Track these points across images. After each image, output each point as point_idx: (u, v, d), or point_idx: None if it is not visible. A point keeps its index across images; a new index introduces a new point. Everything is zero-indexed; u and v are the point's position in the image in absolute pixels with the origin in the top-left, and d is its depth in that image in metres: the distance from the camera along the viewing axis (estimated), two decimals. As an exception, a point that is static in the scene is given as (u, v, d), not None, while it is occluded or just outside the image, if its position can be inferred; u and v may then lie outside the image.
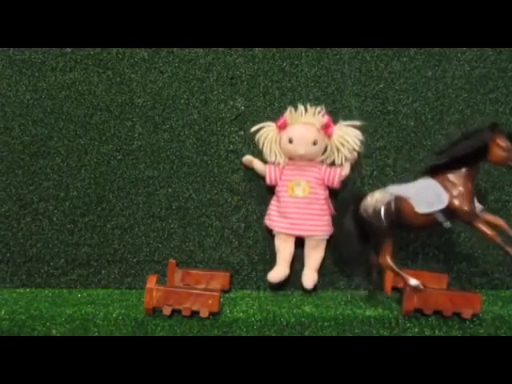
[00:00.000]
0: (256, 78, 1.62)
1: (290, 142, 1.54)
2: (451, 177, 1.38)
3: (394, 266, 1.43)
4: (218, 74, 1.62)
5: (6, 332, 1.38)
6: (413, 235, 1.66)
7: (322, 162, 1.57)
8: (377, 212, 1.41)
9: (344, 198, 1.58)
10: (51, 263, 1.65)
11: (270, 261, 1.62)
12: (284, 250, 1.59)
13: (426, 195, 1.38)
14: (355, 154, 1.56)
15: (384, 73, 1.62)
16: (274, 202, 1.60)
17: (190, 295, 1.38)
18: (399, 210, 1.40)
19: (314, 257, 1.59)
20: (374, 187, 1.63)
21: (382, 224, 1.40)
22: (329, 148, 1.56)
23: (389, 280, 1.58)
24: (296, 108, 1.54)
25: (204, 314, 1.37)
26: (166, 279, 1.57)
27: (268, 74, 1.62)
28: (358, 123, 1.54)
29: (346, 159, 1.56)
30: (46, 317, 1.40)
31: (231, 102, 1.63)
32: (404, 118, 1.64)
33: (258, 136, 1.57)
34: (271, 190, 1.61)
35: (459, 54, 1.62)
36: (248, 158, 1.62)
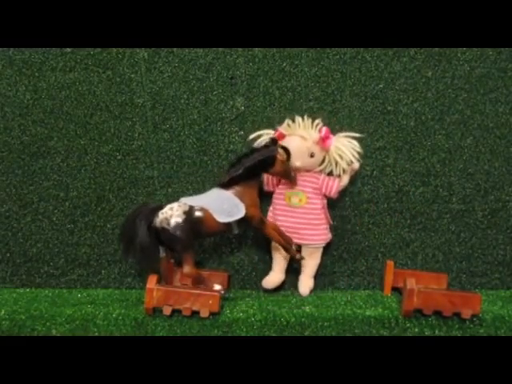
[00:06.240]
0: (256, 78, 1.62)
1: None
2: (241, 188, 1.48)
3: (200, 273, 1.49)
4: (218, 74, 1.62)
5: (6, 332, 1.38)
6: (413, 235, 1.66)
7: (321, 171, 1.56)
8: (178, 223, 1.43)
9: (136, 210, 1.48)
10: (51, 263, 1.65)
11: (270, 261, 1.62)
12: (279, 257, 1.59)
13: (225, 206, 1.46)
14: (356, 165, 1.53)
15: (384, 73, 1.62)
16: (271, 209, 1.59)
17: (191, 295, 1.38)
18: (199, 220, 1.45)
19: (310, 264, 1.58)
20: (374, 187, 1.64)
21: (184, 234, 1.43)
22: (326, 159, 1.54)
23: (389, 280, 1.58)
24: (293, 120, 1.53)
25: (204, 313, 1.38)
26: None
27: (268, 74, 1.62)
28: (356, 135, 1.53)
29: (344, 171, 1.54)
30: (45, 317, 1.40)
31: (231, 102, 1.63)
32: (404, 118, 1.63)
33: (256, 144, 1.56)
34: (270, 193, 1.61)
35: (459, 54, 1.62)
36: None
